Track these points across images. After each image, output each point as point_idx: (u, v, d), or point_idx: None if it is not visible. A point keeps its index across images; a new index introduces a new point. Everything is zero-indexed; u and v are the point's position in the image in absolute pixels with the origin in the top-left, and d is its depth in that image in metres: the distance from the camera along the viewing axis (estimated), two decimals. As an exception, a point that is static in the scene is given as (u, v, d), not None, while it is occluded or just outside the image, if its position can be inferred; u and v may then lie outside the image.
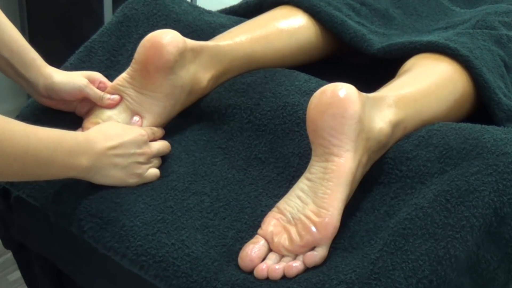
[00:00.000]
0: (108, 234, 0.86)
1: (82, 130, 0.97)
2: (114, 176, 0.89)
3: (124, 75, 1.00)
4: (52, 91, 0.98)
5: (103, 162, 0.87)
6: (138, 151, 0.92)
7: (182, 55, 0.97)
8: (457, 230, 0.77)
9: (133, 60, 0.99)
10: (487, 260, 0.80)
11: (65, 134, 0.84)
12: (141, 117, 0.98)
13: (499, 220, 0.80)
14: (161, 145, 0.97)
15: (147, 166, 0.93)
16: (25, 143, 0.77)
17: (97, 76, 1.02)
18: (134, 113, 0.99)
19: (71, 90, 0.98)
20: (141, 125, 0.98)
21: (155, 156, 0.95)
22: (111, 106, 0.99)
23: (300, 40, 1.15)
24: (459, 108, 1.04)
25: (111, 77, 1.03)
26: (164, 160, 0.97)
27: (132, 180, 0.91)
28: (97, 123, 0.97)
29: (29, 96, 1.04)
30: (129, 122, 0.98)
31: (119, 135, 0.90)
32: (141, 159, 0.92)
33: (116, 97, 0.99)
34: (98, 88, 1.00)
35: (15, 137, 0.76)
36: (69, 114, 1.02)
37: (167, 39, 0.96)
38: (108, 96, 0.99)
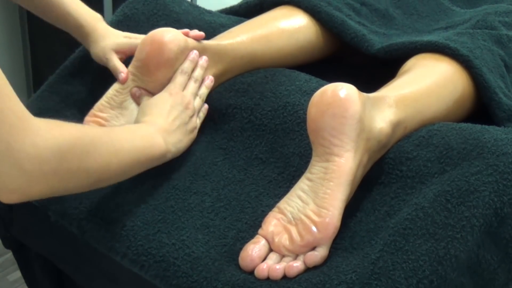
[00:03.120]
0: (108, 234, 0.86)
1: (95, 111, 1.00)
2: (182, 136, 0.93)
3: None
4: None
5: (169, 130, 0.90)
6: (184, 108, 0.95)
7: (183, 54, 0.98)
8: (457, 230, 0.77)
9: (134, 58, 0.99)
10: (487, 260, 0.80)
11: (125, 126, 0.90)
12: None
13: (499, 220, 0.80)
14: (198, 103, 1.00)
15: (195, 118, 0.97)
16: (109, 139, 0.78)
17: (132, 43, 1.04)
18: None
19: (101, 62, 1.04)
20: None
21: (196, 110, 0.98)
22: (122, 82, 1.01)
23: (301, 40, 1.15)
24: (460, 108, 1.04)
25: (111, 77, 1.03)
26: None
27: (192, 135, 0.96)
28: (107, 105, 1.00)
29: (29, 96, 1.04)
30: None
31: (164, 102, 0.93)
32: (190, 112, 0.96)
33: (123, 75, 1.00)
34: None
35: (100, 135, 0.77)
36: (70, 113, 1.02)
37: (169, 37, 0.96)
38: (122, 71, 1.01)
